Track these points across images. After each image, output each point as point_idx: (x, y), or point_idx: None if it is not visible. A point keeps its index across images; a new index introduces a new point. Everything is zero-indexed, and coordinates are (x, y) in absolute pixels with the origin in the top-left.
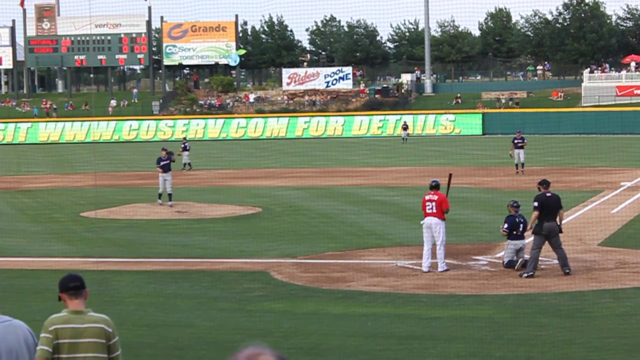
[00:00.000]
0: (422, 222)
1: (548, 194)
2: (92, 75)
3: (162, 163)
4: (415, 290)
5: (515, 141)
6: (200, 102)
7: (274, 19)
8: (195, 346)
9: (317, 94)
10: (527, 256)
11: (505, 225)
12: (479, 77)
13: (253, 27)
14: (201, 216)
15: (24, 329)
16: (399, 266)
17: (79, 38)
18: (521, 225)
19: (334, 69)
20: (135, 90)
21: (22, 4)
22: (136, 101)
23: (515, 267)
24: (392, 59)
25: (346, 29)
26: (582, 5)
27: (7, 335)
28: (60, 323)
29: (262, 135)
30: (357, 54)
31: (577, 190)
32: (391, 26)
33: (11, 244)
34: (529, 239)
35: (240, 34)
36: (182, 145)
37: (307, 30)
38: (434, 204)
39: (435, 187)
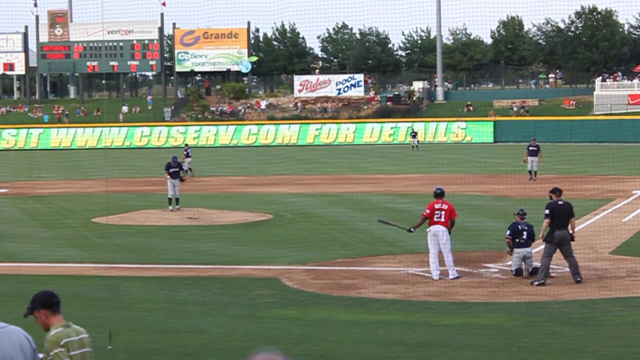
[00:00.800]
0: (427, 230)
1: (560, 202)
2: (104, 82)
3: (171, 170)
4: (426, 297)
5: (530, 148)
6: (212, 108)
7: (286, 26)
8: (206, 352)
9: (328, 101)
10: (535, 263)
11: (508, 232)
12: (490, 85)
13: (265, 34)
14: (212, 222)
15: (20, 334)
16: (410, 273)
17: (91, 44)
18: (524, 232)
19: (346, 77)
20: (150, 97)
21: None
22: (151, 108)
23: (524, 275)
24: (403, 67)
25: (358, 36)
26: (595, 13)
27: (2, 343)
28: (65, 337)
29: (273, 142)
30: (369, 62)
31: (589, 198)
32: (403, 34)
33: (22, 250)
34: (540, 247)
35: (252, 41)
36: (185, 152)
37: (318, 37)
38: (443, 212)
39: (440, 194)
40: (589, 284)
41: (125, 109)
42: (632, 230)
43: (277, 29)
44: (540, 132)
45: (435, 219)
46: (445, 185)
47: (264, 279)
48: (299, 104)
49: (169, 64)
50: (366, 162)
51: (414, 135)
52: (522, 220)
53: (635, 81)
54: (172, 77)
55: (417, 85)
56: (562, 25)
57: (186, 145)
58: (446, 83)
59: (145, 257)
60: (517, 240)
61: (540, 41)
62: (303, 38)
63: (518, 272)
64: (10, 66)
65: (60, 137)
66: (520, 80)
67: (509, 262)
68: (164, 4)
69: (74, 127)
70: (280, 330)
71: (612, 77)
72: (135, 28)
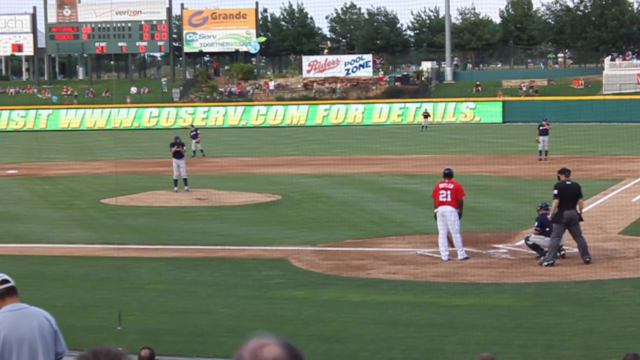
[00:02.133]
0: (435, 211)
1: (568, 182)
2: (112, 62)
3: (173, 150)
4: (435, 278)
5: (541, 128)
6: (221, 89)
7: (294, 7)
8: (215, 333)
9: (337, 82)
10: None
11: (536, 224)
12: (499, 65)
13: (273, 15)
14: (221, 203)
15: (39, 316)
16: (419, 254)
17: (99, 25)
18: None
19: (354, 57)
20: (164, 80)
21: None
22: (166, 90)
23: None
24: (412, 47)
25: (366, 16)
26: None
27: (19, 325)
28: None
29: (282, 123)
30: (378, 42)
31: (598, 178)
32: (412, 13)
33: (32, 231)
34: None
35: (261, 21)
36: (194, 133)
37: (327, 17)
38: (448, 192)
39: (448, 174)
40: (598, 265)
41: (134, 89)
42: None
43: (285, 9)
44: (549, 112)
45: (441, 199)
46: (454, 165)
47: (273, 259)
48: (315, 85)
49: (177, 44)
50: (375, 143)
51: (427, 115)
52: (547, 212)
53: None
54: (180, 58)
55: (426, 66)
56: (571, 5)
57: (192, 125)
58: (467, 63)
59: (155, 238)
60: (547, 229)
61: (549, 20)
62: (311, 18)
63: (533, 246)
64: (18, 47)
65: (69, 118)
66: (529, 60)
67: (518, 243)
68: None
69: (82, 108)
70: (289, 310)
71: (621, 56)
72: (143, 8)
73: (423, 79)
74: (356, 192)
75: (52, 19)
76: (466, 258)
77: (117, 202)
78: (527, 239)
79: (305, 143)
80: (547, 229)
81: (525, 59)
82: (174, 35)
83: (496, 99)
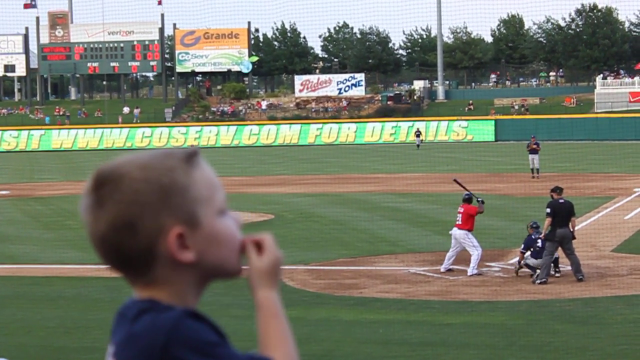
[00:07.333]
0: (450, 232)
1: (561, 201)
2: (104, 83)
3: None
4: (428, 296)
5: (529, 147)
6: (213, 109)
7: (286, 26)
8: None
9: (329, 101)
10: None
11: (522, 246)
12: (491, 84)
13: (265, 34)
14: None
15: None
16: (412, 273)
17: (91, 45)
18: (539, 241)
19: (347, 76)
20: (136, 110)
21: (26, 6)
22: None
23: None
24: (404, 66)
25: (358, 35)
26: (595, 11)
27: None
28: None
29: (274, 142)
30: (370, 61)
31: (590, 196)
32: (403, 33)
33: (24, 251)
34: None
35: (253, 41)
36: None
37: (319, 37)
38: (460, 216)
39: (465, 200)
40: (591, 282)
41: (126, 109)
42: (634, 228)
43: (277, 29)
44: (542, 130)
45: (456, 222)
46: (446, 184)
47: None
48: (313, 105)
49: (169, 64)
50: (367, 162)
51: (419, 134)
52: (535, 231)
53: (636, 79)
54: (172, 78)
55: (418, 85)
56: (562, 23)
57: (192, 146)
58: (493, 77)
59: None
60: (532, 249)
61: (541, 39)
62: (304, 38)
63: (528, 265)
64: (11, 68)
65: (62, 138)
66: (521, 79)
67: (511, 261)
68: (159, 2)
69: (75, 128)
70: None
71: (613, 74)
72: (135, 29)
73: (415, 97)
74: (349, 211)
75: (45, 39)
76: (477, 274)
77: None
78: (520, 263)
79: (297, 162)
80: (532, 250)
81: (517, 78)
82: (166, 55)
83: (488, 118)
